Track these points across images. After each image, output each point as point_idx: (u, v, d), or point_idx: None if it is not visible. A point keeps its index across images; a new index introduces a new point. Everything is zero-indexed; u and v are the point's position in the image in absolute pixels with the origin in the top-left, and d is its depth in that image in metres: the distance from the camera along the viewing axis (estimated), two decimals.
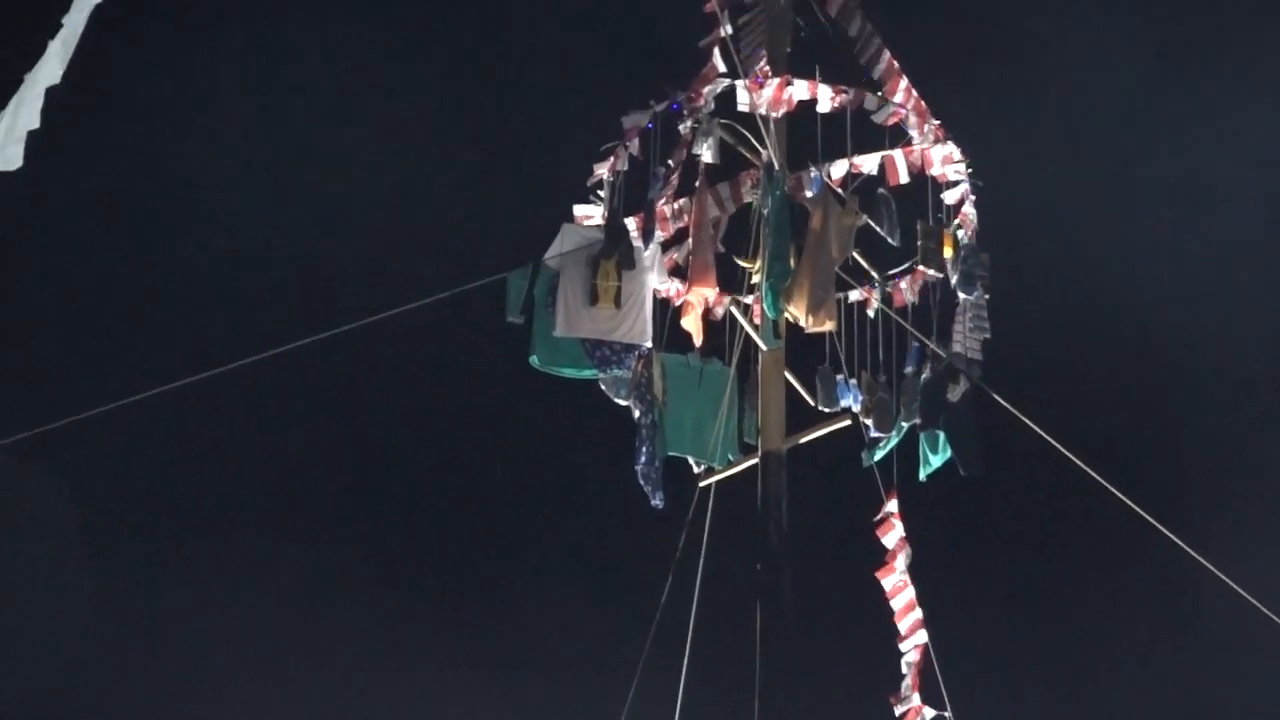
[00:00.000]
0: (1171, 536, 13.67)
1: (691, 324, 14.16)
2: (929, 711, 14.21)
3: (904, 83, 13.98)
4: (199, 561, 24.00)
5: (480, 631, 23.79)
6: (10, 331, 23.54)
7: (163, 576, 23.77)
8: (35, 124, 9.48)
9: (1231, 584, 13.44)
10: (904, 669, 14.15)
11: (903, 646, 14.30)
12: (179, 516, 24.57)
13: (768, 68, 13.99)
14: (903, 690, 14.14)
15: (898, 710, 14.25)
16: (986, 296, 14.28)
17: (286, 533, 24.15)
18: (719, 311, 14.69)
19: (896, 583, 14.14)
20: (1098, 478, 13.86)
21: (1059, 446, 13.68)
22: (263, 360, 13.64)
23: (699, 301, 14.33)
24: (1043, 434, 13.65)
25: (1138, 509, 13.87)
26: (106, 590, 23.80)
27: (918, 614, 14.13)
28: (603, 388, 14.40)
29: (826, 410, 14.41)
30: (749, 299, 14.68)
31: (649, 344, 14.28)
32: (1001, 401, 13.91)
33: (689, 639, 14.53)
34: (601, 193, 14.82)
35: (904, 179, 14.48)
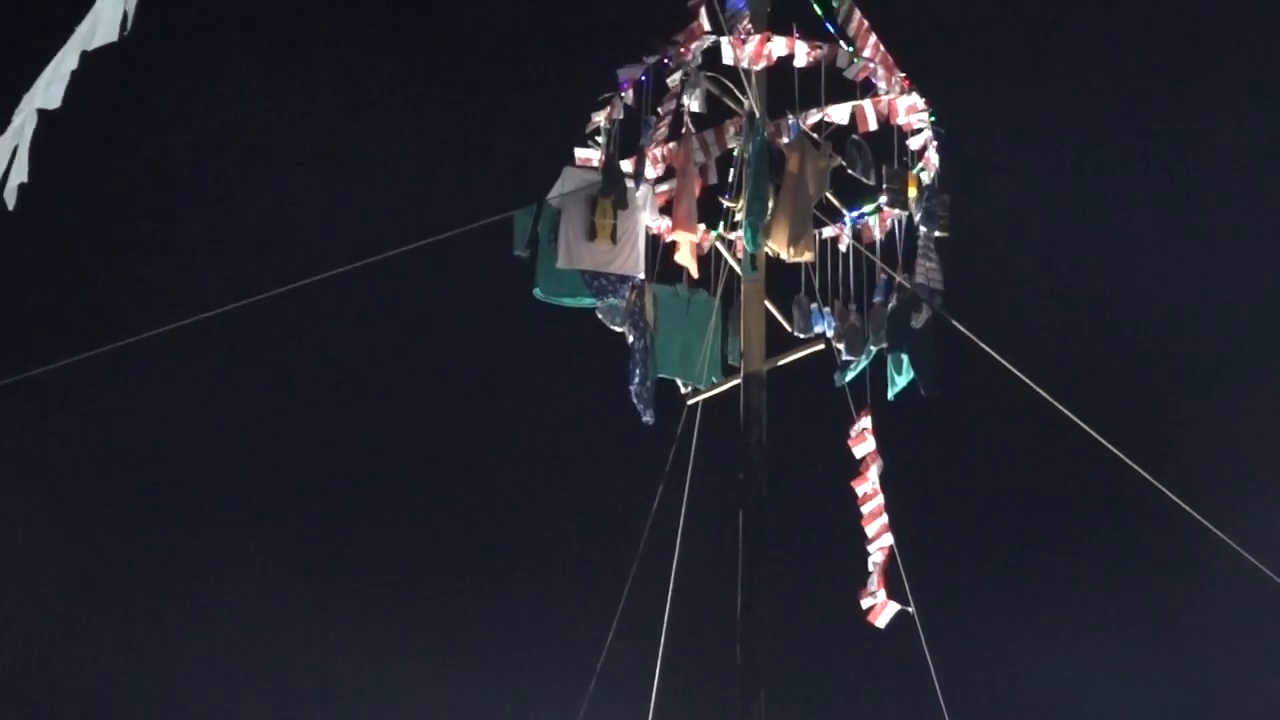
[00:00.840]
0: (1113, 449, 14.09)
1: (686, 259, 14.88)
2: (893, 605, 14.91)
3: (873, 39, 14.65)
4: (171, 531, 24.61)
5: (481, 534, 24.46)
6: None
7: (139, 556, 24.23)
8: (75, 65, 9.68)
9: (1171, 495, 13.99)
10: (870, 568, 14.89)
11: (870, 549, 15.03)
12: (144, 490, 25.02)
13: (749, 26, 14.56)
14: (869, 586, 14.89)
15: (864, 604, 14.99)
16: (946, 233, 14.91)
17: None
18: (704, 246, 15.18)
19: (867, 491, 14.95)
20: (1046, 396, 14.27)
21: (1011, 368, 14.27)
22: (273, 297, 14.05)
23: (685, 241, 14.94)
24: (995, 355, 14.31)
25: (1085, 425, 14.26)
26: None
27: (884, 519, 14.93)
28: (599, 315, 15.09)
29: (802, 336, 15.09)
30: (732, 235, 15.14)
31: (641, 275, 15.00)
32: (959, 327, 14.56)
33: (678, 541, 15.07)
34: (599, 138, 15.34)
35: (872, 126, 15.09)
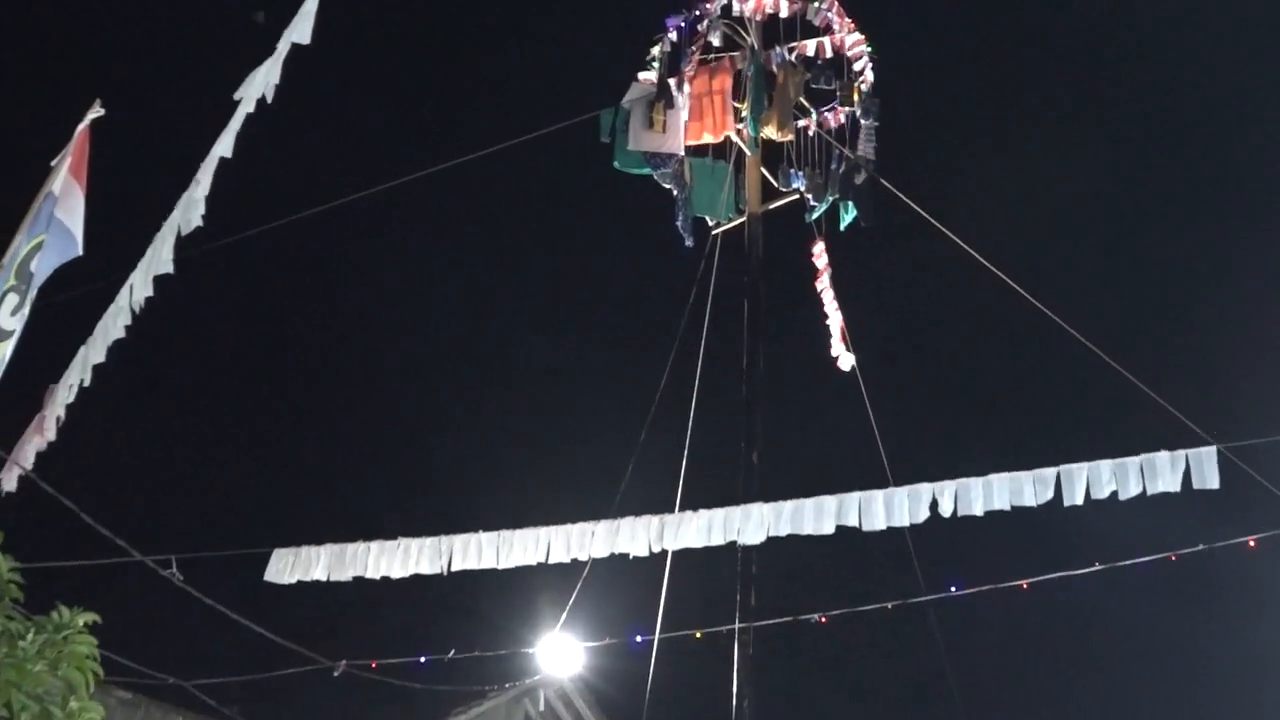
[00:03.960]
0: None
1: (709, 140, 17.52)
2: (849, 355, 17.81)
3: None
4: None
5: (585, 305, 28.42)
6: None
7: None
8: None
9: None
10: (832, 332, 18.09)
11: (829, 323, 18.21)
12: None
13: None
14: (832, 346, 18.05)
15: (833, 354, 17.86)
16: (877, 123, 17.64)
17: None
18: (723, 133, 17.55)
19: (824, 285, 18.21)
20: (947, 232, 15.65)
21: (920, 210, 16.14)
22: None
23: (709, 131, 17.34)
24: (907, 200, 16.35)
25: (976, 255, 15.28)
26: None
27: (836, 303, 17.98)
28: (656, 178, 17.52)
29: (785, 190, 17.73)
30: (740, 125, 17.62)
31: (682, 152, 17.50)
32: (885, 183, 17.10)
33: (705, 324, 17.20)
34: (655, 64, 17.82)
35: (829, 54, 17.99)
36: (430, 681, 15.58)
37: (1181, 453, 10.98)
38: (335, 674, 13.89)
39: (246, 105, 8.70)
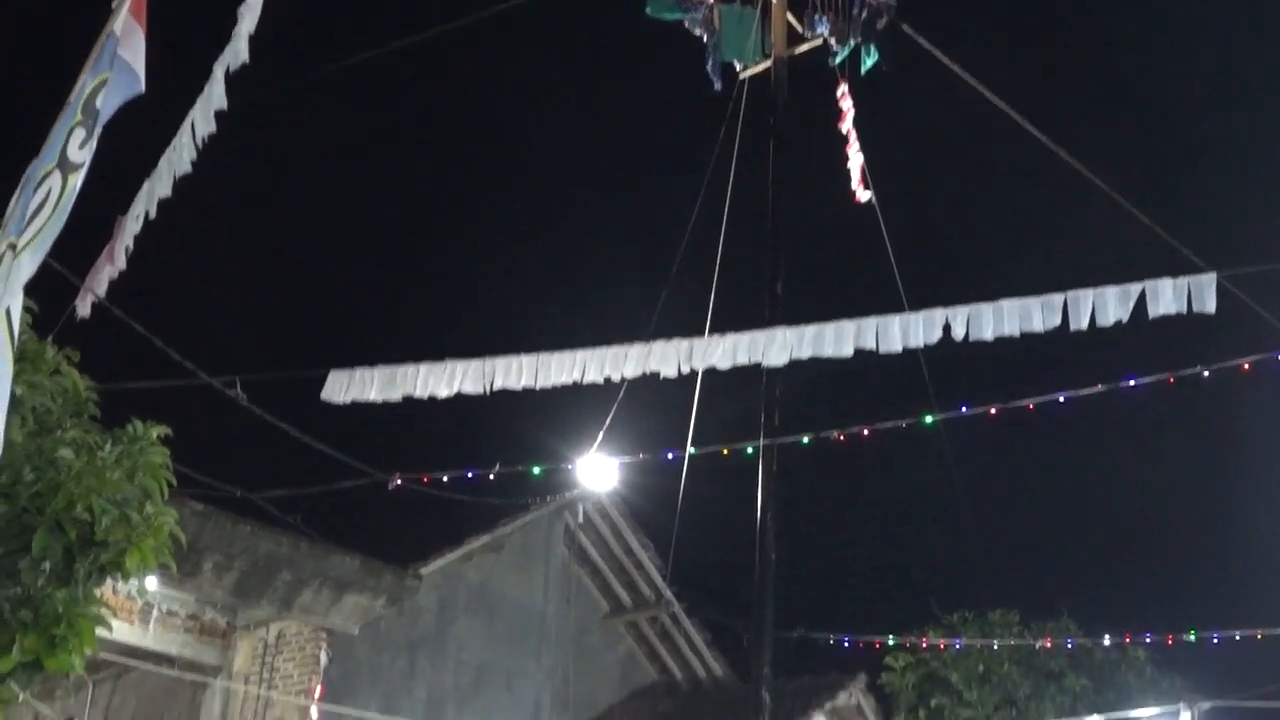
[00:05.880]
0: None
1: None
2: (865, 190, 17.70)
3: None
4: None
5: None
6: None
7: None
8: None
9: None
10: (853, 171, 17.77)
11: (849, 151, 17.78)
12: None
13: None
14: (853, 186, 17.78)
15: (853, 189, 17.71)
16: None
17: None
18: None
19: (847, 128, 17.98)
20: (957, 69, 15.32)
21: (933, 49, 15.95)
22: None
23: None
24: (926, 45, 16.16)
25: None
26: None
27: (857, 142, 17.81)
28: (686, 26, 17.40)
29: (810, 35, 17.41)
30: None
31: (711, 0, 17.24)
32: (906, 28, 16.77)
33: (733, 159, 16.81)
34: None
35: None
36: (477, 495, 15.91)
37: (1184, 279, 11.00)
38: (390, 487, 14.16)
39: None
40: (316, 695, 16.07)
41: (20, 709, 15.54)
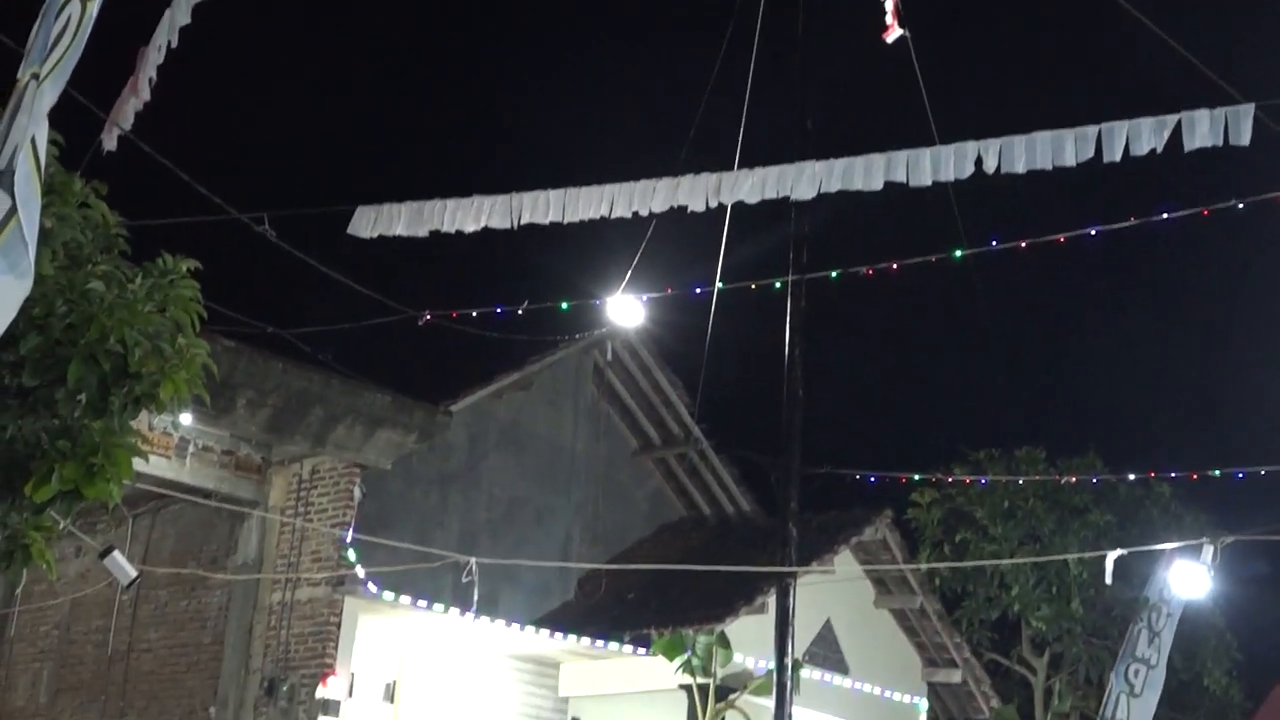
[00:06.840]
0: None
1: None
2: (898, 29, 16.22)
3: None
4: None
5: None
6: None
7: None
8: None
9: None
10: (886, 7, 16.56)
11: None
12: None
13: None
14: (887, 19, 16.42)
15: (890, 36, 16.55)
16: None
17: None
18: None
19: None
20: None
21: None
22: None
23: None
24: None
25: None
26: None
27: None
28: None
29: None
30: None
31: None
32: None
33: (753, 55, 15.74)
34: None
35: None
36: (506, 332, 15.97)
37: (1220, 110, 10.80)
38: (419, 324, 14.20)
39: None
40: (351, 528, 16.34)
41: (63, 543, 15.90)
